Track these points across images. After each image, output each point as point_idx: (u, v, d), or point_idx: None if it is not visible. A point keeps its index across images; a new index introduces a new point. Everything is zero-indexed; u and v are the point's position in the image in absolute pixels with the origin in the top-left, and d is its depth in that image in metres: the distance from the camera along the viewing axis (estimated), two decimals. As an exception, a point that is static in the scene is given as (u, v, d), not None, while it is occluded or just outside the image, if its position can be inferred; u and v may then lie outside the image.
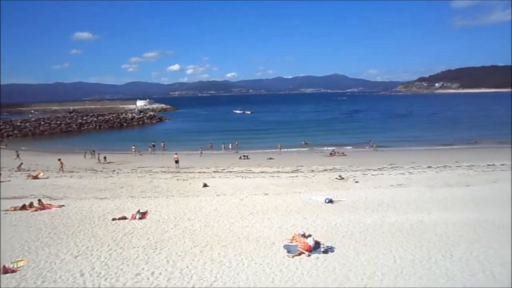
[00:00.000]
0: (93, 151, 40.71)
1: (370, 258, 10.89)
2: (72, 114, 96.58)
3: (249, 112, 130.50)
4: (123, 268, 10.62)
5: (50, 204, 18.01)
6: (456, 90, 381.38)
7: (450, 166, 29.06)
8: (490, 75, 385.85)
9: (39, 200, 17.99)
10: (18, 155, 37.72)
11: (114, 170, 31.13)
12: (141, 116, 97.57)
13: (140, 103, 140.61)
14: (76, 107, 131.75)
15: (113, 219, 15.42)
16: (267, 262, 10.84)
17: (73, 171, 30.44)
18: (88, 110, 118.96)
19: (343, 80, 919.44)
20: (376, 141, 46.54)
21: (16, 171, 30.55)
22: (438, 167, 28.94)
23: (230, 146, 46.55)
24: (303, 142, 49.22)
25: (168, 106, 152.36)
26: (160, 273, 10.23)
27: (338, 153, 39.73)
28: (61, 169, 30.06)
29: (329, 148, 43.15)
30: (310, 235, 12.15)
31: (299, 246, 11.54)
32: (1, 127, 68.31)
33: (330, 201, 17.70)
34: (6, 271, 10.30)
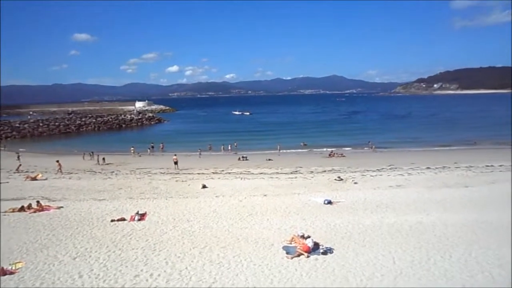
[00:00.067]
0: (92, 152, 40.69)
1: (369, 259, 10.89)
2: (70, 116, 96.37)
3: (248, 113, 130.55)
4: (121, 269, 10.60)
5: (48, 206, 17.97)
6: (455, 91, 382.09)
7: (449, 167, 29.10)
8: (489, 76, 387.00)
9: (38, 202, 17.96)
10: (18, 157, 37.63)
11: (113, 172, 31.09)
12: (140, 117, 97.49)
13: (139, 105, 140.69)
14: (74, 109, 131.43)
15: (112, 221, 15.39)
16: (266, 263, 10.83)
17: (71, 173, 30.39)
18: (87, 111, 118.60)
19: (341, 81, 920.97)
20: (375, 142, 46.60)
21: (14, 172, 30.48)
22: (437, 168, 28.98)
23: (229, 147, 46.55)
24: (302, 143, 49.26)
25: (167, 107, 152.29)
26: (159, 275, 10.21)
27: (337, 154, 39.73)
28: (59, 170, 29.98)
29: (328, 149, 43.11)
30: (309, 236, 12.14)
31: (298, 247, 11.53)
32: (0, 129, 68.15)
33: (329, 202, 17.70)
34: (4, 273, 10.26)
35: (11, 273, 10.36)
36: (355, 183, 23.77)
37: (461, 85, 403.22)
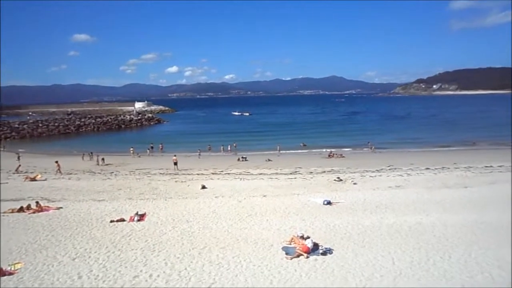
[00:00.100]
0: (91, 153, 40.69)
1: (369, 259, 10.89)
2: (70, 116, 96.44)
3: (247, 114, 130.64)
4: (121, 270, 10.58)
5: (48, 206, 17.94)
6: (454, 92, 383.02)
7: (448, 168, 29.13)
8: (487, 77, 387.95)
9: (37, 202, 17.92)
10: (19, 157, 37.59)
11: (112, 172, 31.07)
12: (139, 118, 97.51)
13: (138, 105, 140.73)
14: (74, 109, 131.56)
15: (111, 221, 15.37)
16: (266, 264, 10.82)
17: (71, 173, 30.35)
18: (86, 112, 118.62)
19: (341, 82, 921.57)
20: (374, 142, 46.64)
21: (14, 173, 30.44)
22: (436, 168, 29.02)
23: (228, 148, 46.57)
24: (301, 144, 49.30)
25: (167, 108, 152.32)
26: (158, 275, 10.20)
27: (336, 154, 39.74)
28: (58, 171, 29.94)
29: (328, 150, 43.11)
30: (308, 237, 12.14)
31: (297, 248, 11.53)
32: (-1, 129, 68.14)
33: (329, 203, 17.70)
34: (3, 273, 10.23)
35: (10, 273, 10.34)
36: (355, 183, 23.78)
37: (460, 85, 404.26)
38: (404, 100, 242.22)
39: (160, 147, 48.07)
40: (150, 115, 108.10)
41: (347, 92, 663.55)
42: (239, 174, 29.29)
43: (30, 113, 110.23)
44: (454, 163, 31.02)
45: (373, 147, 44.66)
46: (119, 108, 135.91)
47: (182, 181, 26.02)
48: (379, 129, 72.40)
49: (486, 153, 38.14)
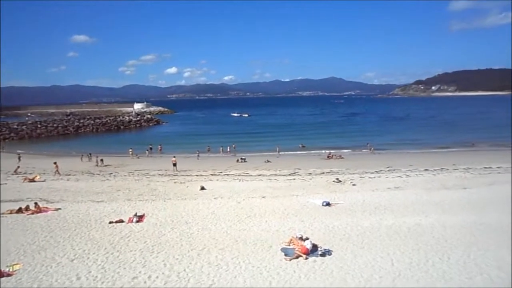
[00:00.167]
0: (90, 154, 40.66)
1: (368, 261, 10.88)
2: (69, 117, 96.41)
3: (246, 115, 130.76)
4: (119, 271, 10.56)
5: (46, 207, 17.91)
6: (453, 93, 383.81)
7: (447, 169, 29.17)
8: (486, 78, 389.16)
9: (36, 203, 17.88)
10: (19, 158, 37.51)
11: (111, 173, 31.03)
12: (138, 119, 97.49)
13: (137, 106, 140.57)
14: (73, 110, 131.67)
15: (110, 222, 15.34)
16: (265, 265, 10.81)
17: (69, 174, 30.31)
18: (85, 113, 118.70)
19: (340, 83, 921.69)
20: (373, 144, 46.69)
21: (12, 174, 30.38)
22: (435, 169, 29.05)
23: (227, 149, 46.56)
24: (300, 145, 49.27)
25: (166, 109, 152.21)
26: (157, 277, 10.18)
27: (335, 156, 39.77)
28: (56, 172, 29.88)
29: (327, 151, 43.12)
30: (307, 238, 12.12)
31: (296, 249, 11.52)
32: (-2, 130, 68.02)
33: (328, 204, 17.69)
34: (1, 274, 10.20)
35: (9, 275, 10.31)
36: (354, 185, 23.79)
37: (459, 87, 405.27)
38: (403, 101, 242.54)
39: (159, 148, 48.09)
40: (149, 116, 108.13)
41: (346, 93, 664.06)
42: (238, 175, 29.28)
43: (29, 114, 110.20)
44: (453, 164, 31.05)
45: (372, 148, 44.68)
46: (118, 109, 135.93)
47: (181, 182, 26.01)
48: (378, 130, 72.47)
49: (485, 154, 38.21)
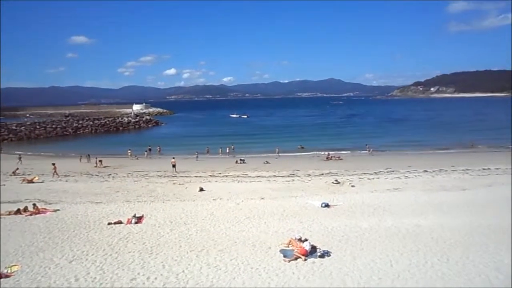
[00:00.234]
0: (88, 155, 40.58)
1: (367, 262, 10.89)
2: (68, 118, 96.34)
3: (245, 116, 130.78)
4: (118, 272, 10.54)
5: (45, 209, 17.86)
6: (452, 95, 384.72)
7: (446, 170, 29.21)
8: (485, 80, 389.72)
9: (34, 205, 17.83)
10: (20, 158, 37.43)
11: (110, 174, 31.00)
12: (137, 120, 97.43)
13: (136, 107, 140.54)
14: (72, 111, 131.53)
15: (109, 224, 15.32)
16: (263, 266, 10.80)
17: (68, 175, 30.25)
18: (84, 114, 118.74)
19: (339, 84, 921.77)
20: (372, 145, 46.72)
21: (11, 175, 30.31)
22: (434, 171, 29.09)
23: (226, 150, 46.47)
24: (299, 146, 49.28)
25: (165, 110, 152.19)
26: (156, 278, 10.17)
27: (334, 157, 39.79)
28: (55, 173, 29.79)
29: (326, 152, 43.12)
30: (306, 240, 12.12)
31: (295, 250, 11.52)
32: (-4, 131, 67.87)
33: (327, 205, 17.70)
34: (0, 276, 10.18)
35: (7, 276, 10.28)
36: (353, 186, 23.81)
37: (458, 88, 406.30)
38: (402, 103, 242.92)
39: (158, 149, 48.02)
40: (148, 117, 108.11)
41: (345, 94, 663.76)
42: (237, 177, 29.27)
43: (28, 115, 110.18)
44: (452, 166, 31.10)
45: (371, 149, 44.73)
46: (117, 110, 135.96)
47: (180, 184, 25.99)
48: (377, 131, 72.52)
49: (483, 155, 38.32)
